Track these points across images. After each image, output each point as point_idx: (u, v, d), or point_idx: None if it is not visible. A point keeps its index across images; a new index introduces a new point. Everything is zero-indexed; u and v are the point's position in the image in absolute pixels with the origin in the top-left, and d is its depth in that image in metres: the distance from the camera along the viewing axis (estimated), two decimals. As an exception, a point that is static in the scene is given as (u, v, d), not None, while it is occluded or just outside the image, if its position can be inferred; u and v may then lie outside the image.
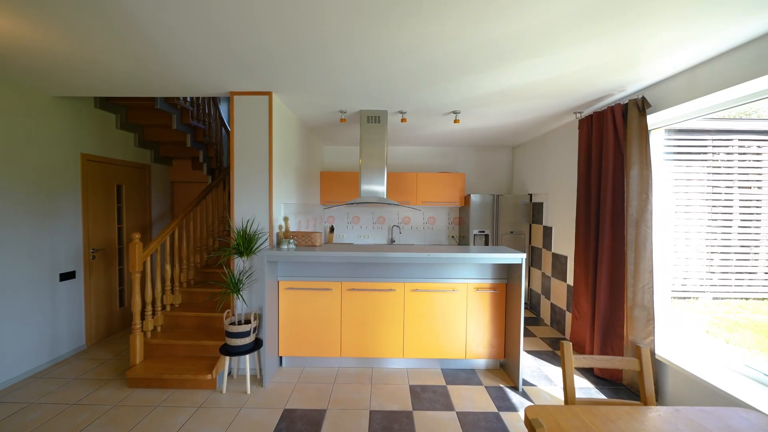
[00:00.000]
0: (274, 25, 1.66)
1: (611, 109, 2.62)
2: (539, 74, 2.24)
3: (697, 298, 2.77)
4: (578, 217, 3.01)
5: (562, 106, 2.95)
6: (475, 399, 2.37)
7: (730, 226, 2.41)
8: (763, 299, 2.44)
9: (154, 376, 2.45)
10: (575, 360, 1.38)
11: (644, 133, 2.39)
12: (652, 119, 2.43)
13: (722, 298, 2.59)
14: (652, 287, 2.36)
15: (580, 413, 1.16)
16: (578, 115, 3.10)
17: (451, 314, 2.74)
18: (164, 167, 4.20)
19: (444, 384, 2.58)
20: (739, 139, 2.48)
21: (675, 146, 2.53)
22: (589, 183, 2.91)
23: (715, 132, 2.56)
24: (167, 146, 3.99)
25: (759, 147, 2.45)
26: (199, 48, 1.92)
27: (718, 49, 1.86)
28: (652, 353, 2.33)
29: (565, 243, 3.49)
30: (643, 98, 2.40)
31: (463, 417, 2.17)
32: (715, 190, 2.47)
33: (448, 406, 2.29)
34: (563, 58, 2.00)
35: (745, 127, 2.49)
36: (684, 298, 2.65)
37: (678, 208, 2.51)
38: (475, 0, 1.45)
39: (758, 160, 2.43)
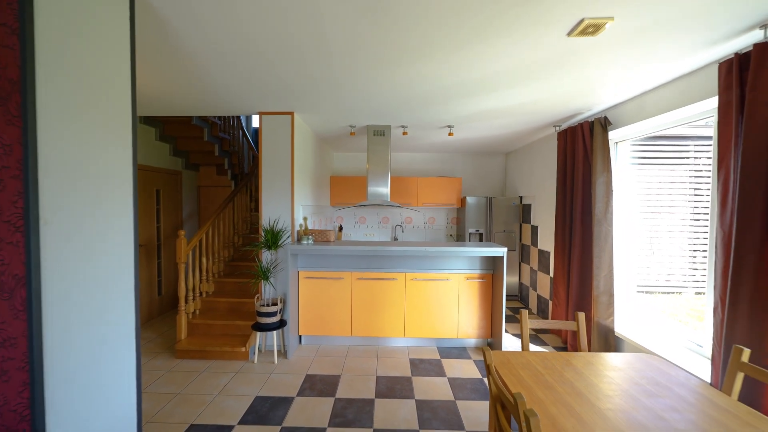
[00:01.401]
0: (296, 66, 2.15)
1: (581, 125, 3.08)
2: (518, 98, 2.71)
3: (680, 293, 3.20)
4: (557, 216, 3.47)
5: (543, 121, 3.42)
6: (463, 369, 2.85)
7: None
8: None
9: (197, 348, 2.96)
10: (530, 322, 1.85)
11: (606, 146, 2.85)
12: (615, 134, 2.89)
13: (704, 293, 3.00)
14: (612, 276, 2.81)
15: (527, 355, 1.63)
16: (557, 128, 3.55)
17: (445, 300, 3.22)
18: (193, 173, 4.73)
19: (438, 358, 3.06)
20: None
21: (660, 151, 2.90)
22: (565, 187, 3.37)
23: (697, 138, 2.97)
24: (196, 155, 4.52)
25: None
26: (239, 82, 2.42)
27: (656, 83, 2.32)
28: (599, 324, 2.80)
29: (548, 240, 3.95)
30: (605, 117, 2.86)
31: (452, 381, 2.65)
32: (697, 191, 2.87)
33: (441, 374, 2.77)
34: (535, 89, 2.47)
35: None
36: (668, 292, 3.06)
37: (660, 209, 2.89)
38: (449, 56, 1.93)
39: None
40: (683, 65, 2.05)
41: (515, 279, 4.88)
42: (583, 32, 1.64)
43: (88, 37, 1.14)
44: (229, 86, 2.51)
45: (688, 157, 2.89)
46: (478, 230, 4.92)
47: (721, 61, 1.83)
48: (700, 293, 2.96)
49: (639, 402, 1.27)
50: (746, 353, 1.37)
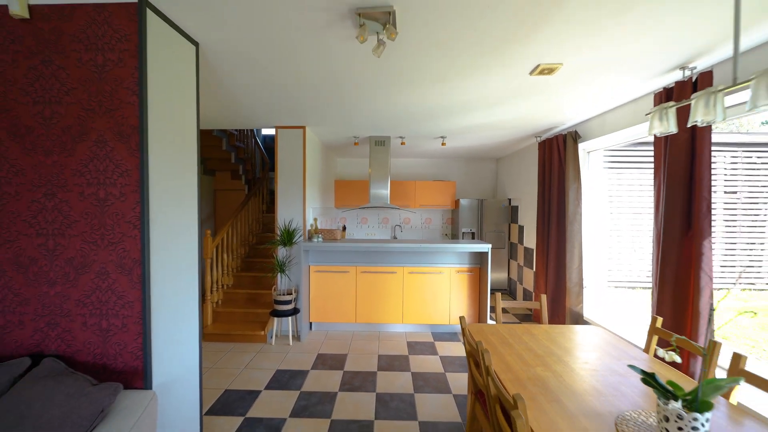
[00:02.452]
0: (309, 93, 2.59)
1: (557, 137, 3.53)
2: (500, 116, 3.16)
3: (648, 287, 3.65)
4: (538, 217, 3.91)
5: (525, 132, 3.86)
6: (453, 349, 3.29)
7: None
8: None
9: (222, 332, 3.41)
10: (502, 303, 2.29)
11: (576, 156, 3.29)
12: (586, 145, 3.33)
13: None
14: (582, 269, 3.25)
15: (497, 326, 2.08)
16: (538, 138, 4.00)
17: (438, 291, 3.66)
18: (209, 178, 5.17)
19: (432, 341, 3.50)
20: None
21: (633, 157, 3.34)
22: (544, 191, 3.81)
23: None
24: (214, 161, 4.96)
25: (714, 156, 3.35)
26: (261, 105, 2.87)
27: (612, 105, 2.77)
28: (571, 311, 3.24)
29: (532, 238, 4.39)
30: (576, 131, 3.31)
31: (443, 359, 3.09)
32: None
33: (434, 353, 3.21)
34: (512, 109, 2.92)
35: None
36: (638, 287, 3.51)
37: (639, 209, 3.34)
38: (439, 85, 2.37)
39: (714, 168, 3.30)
40: (631, 93, 2.50)
41: (504, 275, 5.32)
42: (541, 73, 2.09)
43: (174, 91, 1.59)
44: (253, 108, 2.96)
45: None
46: (470, 230, 5.36)
47: (655, 92, 2.28)
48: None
49: (572, 353, 1.71)
50: (659, 320, 1.81)
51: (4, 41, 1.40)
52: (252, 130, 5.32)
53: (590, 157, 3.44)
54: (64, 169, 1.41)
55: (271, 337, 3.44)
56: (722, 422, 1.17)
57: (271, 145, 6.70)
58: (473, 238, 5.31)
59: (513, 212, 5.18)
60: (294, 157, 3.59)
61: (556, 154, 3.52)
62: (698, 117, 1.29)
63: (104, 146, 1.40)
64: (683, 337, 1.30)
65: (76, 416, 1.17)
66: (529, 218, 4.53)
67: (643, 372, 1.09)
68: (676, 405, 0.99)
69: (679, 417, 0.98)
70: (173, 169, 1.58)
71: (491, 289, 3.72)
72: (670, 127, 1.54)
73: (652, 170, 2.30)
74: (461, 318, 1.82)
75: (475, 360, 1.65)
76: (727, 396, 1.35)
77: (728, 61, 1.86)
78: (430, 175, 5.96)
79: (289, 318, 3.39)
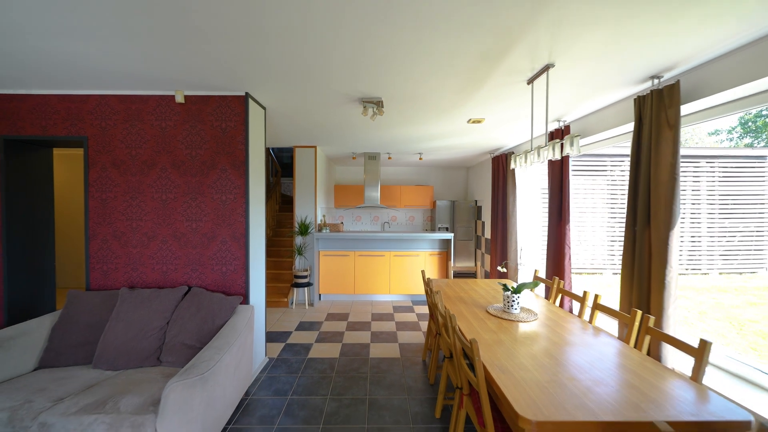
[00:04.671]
0: (321, 130, 3.80)
1: (503, 155, 4.82)
2: (456, 142, 4.43)
3: (602, 273, 4.97)
4: (491, 215, 5.20)
5: (480, 151, 5.15)
6: (425, 310, 4.53)
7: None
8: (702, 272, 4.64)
9: (254, 300, 4.55)
10: (454, 268, 3.54)
11: (512, 172, 4.59)
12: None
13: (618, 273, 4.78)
14: (517, 254, 4.54)
15: (449, 282, 3.32)
16: (492, 154, 5.29)
17: (415, 269, 4.90)
18: (231, 183, 6.29)
19: (411, 305, 4.74)
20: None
21: (587, 165, 4.64)
22: (496, 195, 5.10)
23: (613, 155, 4.73)
24: (236, 170, 6.09)
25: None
26: (290, 133, 4.06)
27: (524, 139, 4.06)
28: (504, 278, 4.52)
29: (489, 231, 5.68)
30: (512, 152, 4.61)
31: (418, 315, 4.33)
32: (612, 196, 4.60)
33: (411, 312, 4.44)
34: (465, 138, 4.19)
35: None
36: (592, 273, 4.79)
37: (585, 209, 4.64)
38: (413, 126, 3.61)
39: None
40: (536, 132, 3.79)
41: (472, 262, 6.61)
42: (473, 122, 3.36)
43: (257, 139, 2.77)
44: (284, 134, 4.14)
45: (605, 170, 4.67)
46: (445, 225, 6.62)
47: (552, 131, 3.57)
48: (617, 273, 4.73)
49: (481, 287, 2.95)
50: (599, 298, 3.08)
51: (171, 114, 2.57)
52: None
53: (525, 170, 4.73)
54: (201, 184, 2.59)
55: (292, 304, 4.62)
56: (578, 330, 2.43)
57: (279, 155, 7.86)
58: (447, 231, 6.58)
59: (478, 211, 6.47)
60: (308, 169, 4.78)
61: (502, 168, 4.82)
62: (566, 151, 2.55)
63: (225, 172, 2.58)
64: (513, 282, 2.56)
65: (224, 309, 2.34)
66: (488, 215, 5.83)
67: (503, 285, 2.35)
68: (507, 292, 2.25)
69: (507, 296, 2.23)
70: (256, 185, 2.77)
71: (460, 274, 4.97)
72: (555, 155, 2.80)
73: (597, 174, 3.60)
74: (422, 272, 3.06)
75: (429, 294, 2.88)
76: (591, 320, 2.62)
77: (583, 119, 3.17)
78: (413, 180, 7.22)
79: (305, 289, 4.58)
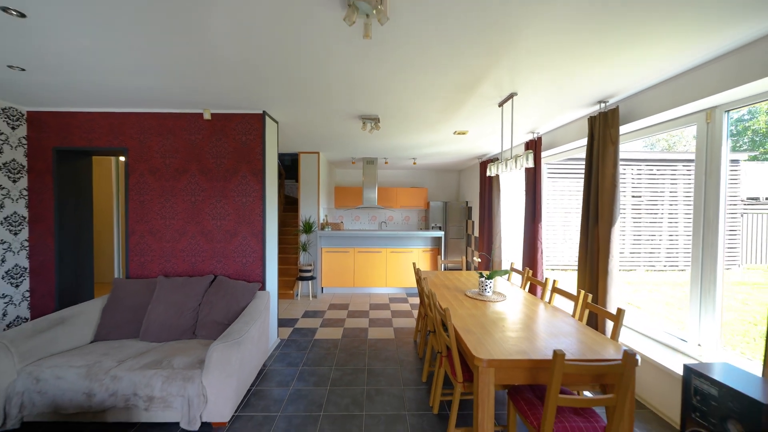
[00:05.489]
0: (326, 140, 4.27)
1: (488, 160, 5.30)
2: (445, 149, 4.90)
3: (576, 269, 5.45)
4: (479, 214, 5.68)
5: (468, 156, 5.63)
6: (418, 301, 5.00)
7: (639, 221, 5.08)
8: (660, 270, 5.14)
9: (263, 292, 5.01)
10: (444, 262, 4.02)
11: (496, 177, 5.07)
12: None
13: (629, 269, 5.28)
14: (501, 249, 5.03)
15: (438, 273, 3.79)
16: (479, 159, 5.77)
17: (409, 264, 5.37)
18: (238, 185, 6.74)
19: (405, 296, 5.21)
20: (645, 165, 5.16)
21: (571, 168, 5.14)
22: (483, 196, 5.59)
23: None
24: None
25: (623, 169, 5.16)
26: (295, 141, 4.52)
27: (508, 146, 4.55)
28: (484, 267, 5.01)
29: (478, 230, 6.16)
30: (497, 158, 5.08)
31: (411, 305, 4.80)
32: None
33: (405, 302, 4.92)
34: (450, 146, 4.66)
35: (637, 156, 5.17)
36: (575, 269, 5.29)
37: (573, 209, 5.13)
38: (407, 136, 4.08)
39: (622, 176, 5.12)
40: (515, 142, 4.28)
41: (462, 258, 7.08)
42: (458, 133, 3.84)
43: (271, 149, 3.23)
44: (286, 142, 4.60)
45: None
46: (438, 225, 7.10)
47: (527, 141, 4.05)
48: None
49: (466, 278, 3.42)
50: (556, 282, 3.56)
51: (200, 129, 3.02)
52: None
53: (508, 175, 5.21)
54: (225, 188, 3.04)
55: (297, 296, 5.08)
56: (535, 307, 2.91)
57: (281, 158, 8.29)
58: (440, 230, 7.05)
59: (469, 211, 6.96)
60: (311, 173, 5.25)
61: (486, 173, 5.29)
62: (526, 165, 3.03)
63: (245, 178, 3.04)
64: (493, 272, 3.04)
65: (246, 294, 2.80)
66: (477, 215, 6.31)
67: (480, 273, 2.82)
68: (482, 278, 2.73)
69: (482, 282, 2.71)
70: (271, 189, 3.23)
71: (450, 269, 5.45)
72: (529, 163, 3.28)
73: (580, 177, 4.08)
74: (413, 263, 3.54)
75: (419, 283, 3.35)
76: (549, 300, 3.11)
77: (552, 132, 3.65)
78: (408, 183, 7.69)
79: (309, 282, 5.04)
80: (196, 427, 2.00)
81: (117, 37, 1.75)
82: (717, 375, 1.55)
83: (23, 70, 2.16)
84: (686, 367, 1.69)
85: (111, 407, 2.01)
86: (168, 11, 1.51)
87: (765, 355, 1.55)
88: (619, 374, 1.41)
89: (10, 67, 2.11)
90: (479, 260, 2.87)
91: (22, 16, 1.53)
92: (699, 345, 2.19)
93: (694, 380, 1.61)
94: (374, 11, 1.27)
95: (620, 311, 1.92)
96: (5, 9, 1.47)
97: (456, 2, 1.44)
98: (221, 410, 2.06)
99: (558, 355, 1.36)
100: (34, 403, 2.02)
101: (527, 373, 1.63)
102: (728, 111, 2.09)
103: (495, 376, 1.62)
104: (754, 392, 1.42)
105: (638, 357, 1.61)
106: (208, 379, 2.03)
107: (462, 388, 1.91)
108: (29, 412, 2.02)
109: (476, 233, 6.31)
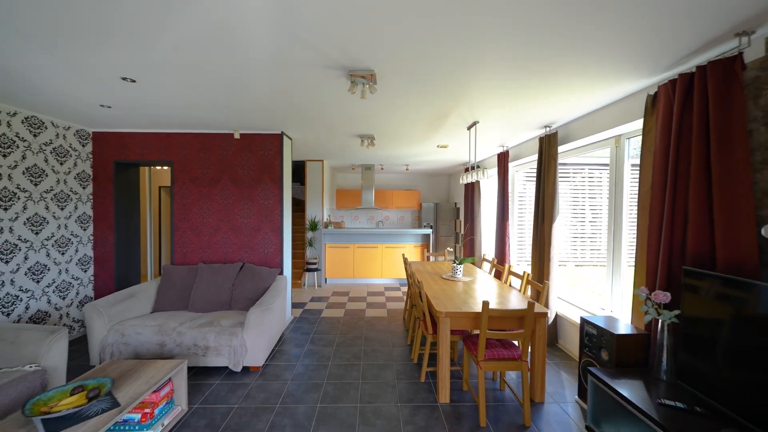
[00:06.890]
0: (330, 151, 5.03)
1: (470, 166, 6.06)
2: (432, 158, 5.66)
3: (566, 265, 6.21)
4: (464, 215, 6.45)
5: (456, 163, 6.40)
6: (410, 289, 5.77)
7: (584, 221, 5.84)
8: (602, 266, 5.91)
9: (275, 282, 5.78)
10: (431, 255, 4.78)
11: (478, 183, 5.83)
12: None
13: (581, 265, 6.03)
14: (481, 244, 5.79)
15: (424, 263, 4.55)
16: (464, 166, 6.54)
17: (402, 258, 6.12)
18: (250, 188, 7.50)
19: (398, 286, 5.97)
20: (589, 169, 5.92)
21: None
22: (467, 199, 6.35)
23: (574, 165, 5.98)
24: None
25: (600, 173, 5.92)
26: (302, 151, 5.28)
27: (486, 156, 5.31)
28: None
29: (463, 228, 6.92)
30: (478, 164, 5.85)
31: (403, 293, 5.56)
32: (575, 198, 5.85)
33: (398, 290, 5.68)
34: (436, 156, 5.42)
35: (591, 161, 5.94)
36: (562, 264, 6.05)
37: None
38: (401, 148, 4.84)
39: (600, 180, 5.89)
40: (490, 152, 5.04)
41: (445, 251, 7.84)
42: (441, 147, 4.60)
43: (287, 159, 3.99)
44: (295, 152, 5.36)
45: (567, 176, 5.93)
46: (430, 224, 7.86)
47: (498, 153, 4.82)
48: (579, 265, 6.01)
49: (444, 269, 4.18)
50: (511, 267, 4.33)
51: (231, 146, 3.78)
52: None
53: (487, 181, 5.98)
54: (251, 193, 3.80)
55: (304, 285, 5.84)
56: (492, 285, 3.67)
57: (288, 163, 9.01)
58: (430, 228, 7.82)
59: (457, 211, 7.72)
60: (316, 178, 6.01)
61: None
62: (488, 177, 3.79)
63: (267, 185, 3.80)
64: (472, 258, 3.81)
65: (269, 277, 3.55)
66: (463, 215, 7.07)
67: (453, 260, 3.58)
68: (454, 264, 3.49)
69: (454, 267, 3.47)
70: (287, 194, 3.99)
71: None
72: (489, 176, 4.04)
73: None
74: (403, 254, 4.30)
75: (408, 274, 4.10)
76: (504, 280, 3.87)
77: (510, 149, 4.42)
78: (403, 186, 8.46)
79: (315, 273, 5.80)
80: (239, 369, 2.76)
81: (189, 92, 2.51)
82: (598, 322, 2.29)
83: (110, 107, 2.92)
84: (582, 318, 2.43)
85: (177, 354, 2.77)
86: (226, 85, 2.27)
87: (631, 310, 2.30)
88: (527, 317, 2.17)
89: (101, 106, 2.87)
90: (452, 249, 3.59)
91: (133, 81, 2.29)
92: (611, 312, 2.95)
93: (586, 326, 2.35)
94: (367, 86, 2.02)
95: (545, 283, 2.68)
96: (124, 78, 2.23)
97: (421, 68, 2.20)
98: (257, 358, 2.82)
99: (485, 302, 2.12)
100: (121, 352, 2.78)
101: (472, 321, 2.39)
102: (629, 138, 2.86)
103: (450, 324, 2.38)
104: (614, 330, 2.16)
105: (549, 313, 2.37)
106: (248, 334, 2.79)
107: (431, 339, 2.67)
108: (117, 358, 2.77)
109: (463, 231, 7.07)
